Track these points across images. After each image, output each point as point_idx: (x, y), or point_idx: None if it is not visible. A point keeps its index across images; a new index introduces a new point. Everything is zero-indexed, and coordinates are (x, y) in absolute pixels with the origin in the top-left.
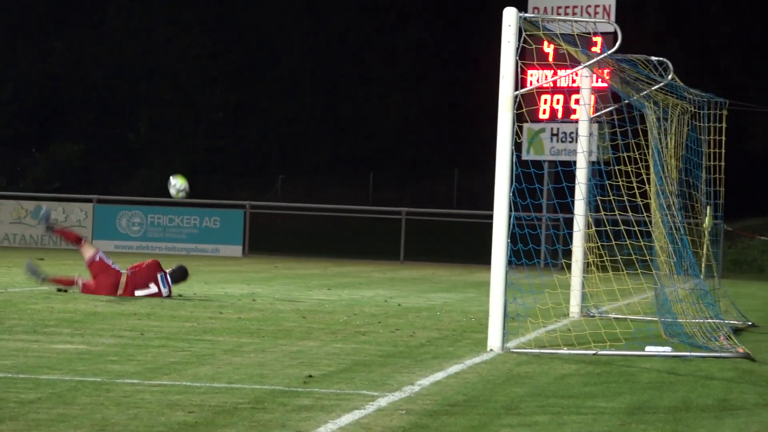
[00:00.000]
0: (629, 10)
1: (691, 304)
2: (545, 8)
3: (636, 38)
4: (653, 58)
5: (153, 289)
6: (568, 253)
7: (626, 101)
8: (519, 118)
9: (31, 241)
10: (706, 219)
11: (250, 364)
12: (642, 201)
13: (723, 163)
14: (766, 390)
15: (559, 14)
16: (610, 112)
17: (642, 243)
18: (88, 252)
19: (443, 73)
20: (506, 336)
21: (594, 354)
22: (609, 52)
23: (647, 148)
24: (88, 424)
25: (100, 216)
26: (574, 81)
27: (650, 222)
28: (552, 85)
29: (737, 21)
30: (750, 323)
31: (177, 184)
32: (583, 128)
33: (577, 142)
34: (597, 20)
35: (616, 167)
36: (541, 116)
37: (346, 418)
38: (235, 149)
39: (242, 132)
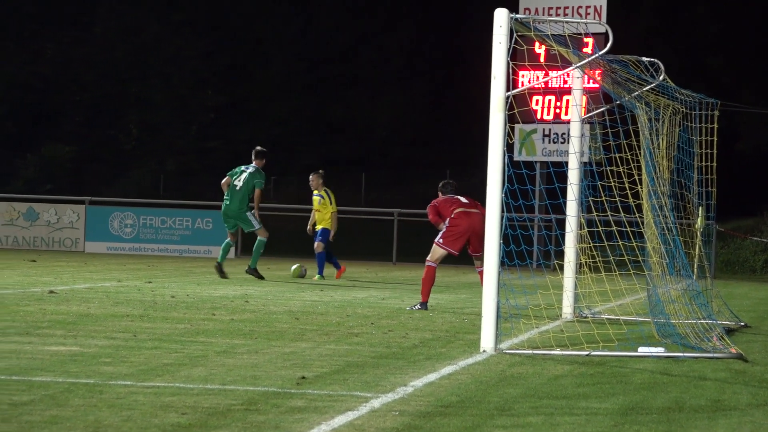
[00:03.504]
0: (620, 11)
1: (684, 305)
2: (536, 9)
3: (627, 39)
4: (644, 59)
5: None
6: (560, 254)
7: (618, 102)
8: (511, 119)
9: (23, 243)
10: (698, 219)
11: (243, 366)
12: (634, 202)
13: (714, 164)
14: (759, 390)
15: (550, 15)
16: (602, 112)
17: (634, 244)
18: None
19: (434, 74)
20: (499, 337)
21: (587, 355)
22: (600, 53)
23: (639, 149)
24: (81, 425)
25: (92, 217)
26: (565, 82)
27: (642, 223)
28: (543, 86)
29: (726, 22)
30: (742, 324)
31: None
32: (575, 129)
33: (568, 142)
34: (588, 21)
35: (608, 168)
36: (533, 117)
37: (339, 420)
38: (226, 150)
39: (233, 133)
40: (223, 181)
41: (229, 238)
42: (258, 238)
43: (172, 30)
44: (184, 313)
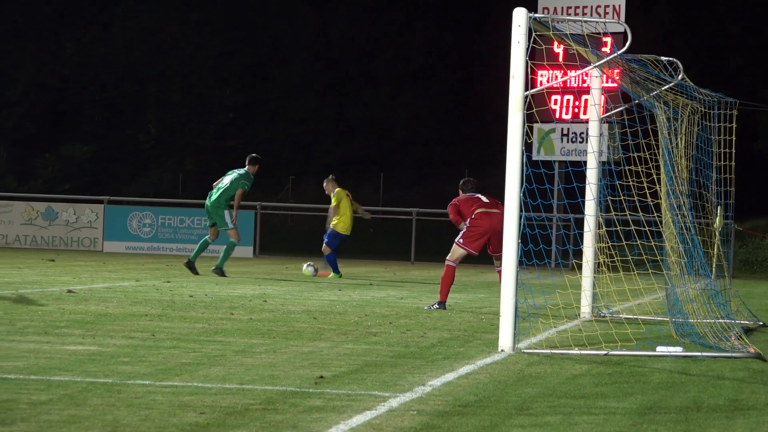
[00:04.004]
0: (639, 10)
1: (702, 304)
2: (555, 8)
3: (645, 38)
4: (663, 58)
5: None
6: (578, 254)
7: (636, 101)
8: (529, 119)
9: (42, 243)
10: (717, 219)
11: (261, 365)
12: (652, 201)
13: (733, 163)
14: None
15: (569, 14)
16: (621, 112)
17: (653, 243)
18: None
19: (453, 73)
20: (517, 336)
21: (605, 354)
22: (619, 52)
23: (657, 149)
24: (100, 425)
25: (110, 217)
26: (584, 81)
27: (661, 222)
28: (562, 85)
29: (746, 21)
30: (761, 323)
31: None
32: (594, 128)
33: (587, 142)
34: (607, 20)
35: (627, 167)
36: (552, 116)
37: (358, 419)
38: (245, 150)
39: (252, 132)
40: (216, 181)
41: (208, 236)
42: (229, 239)
43: (191, 29)
44: (203, 312)
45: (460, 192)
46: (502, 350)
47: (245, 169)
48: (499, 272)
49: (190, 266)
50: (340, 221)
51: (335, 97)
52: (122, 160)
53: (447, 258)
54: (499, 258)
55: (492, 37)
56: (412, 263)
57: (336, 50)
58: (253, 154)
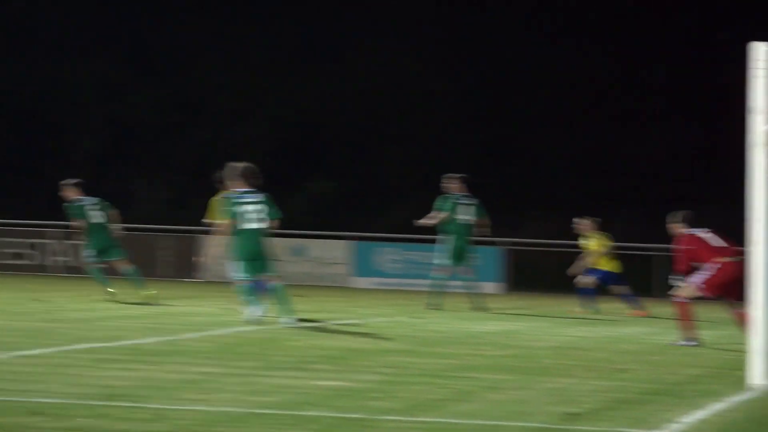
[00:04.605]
0: None
1: None
2: None
3: None
4: None
5: None
6: None
7: None
8: None
9: (291, 278)
10: None
11: (510, 401)
12: None
13: None
14: None
15: None
16: None
17: None
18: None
19: (694, 109)
20: None
21: None
22: None
23: None
24: None
25: (358, 253)
26: None
27: None
28: None
29: None
30: None
31: None
32: None
33: None
34: None
35: None
36: None
37: None
38: (492, 186)
39: (496, 169)
40: (440, 215)
41: (447, 273)
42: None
43: (434, 65)
44: (451, 348)
45: (681, 228)
46: (753, 388)
47: (465, 194)
48: (737, 314)
49: (436, 307)
50: (595, 259)
51: (578, 132)
52: (368, 196)
53: (678, 294)
54: (737, 300)
55: (732, 72)
56: (657, 299)
57: (577, 86)
58: (455, 173)
